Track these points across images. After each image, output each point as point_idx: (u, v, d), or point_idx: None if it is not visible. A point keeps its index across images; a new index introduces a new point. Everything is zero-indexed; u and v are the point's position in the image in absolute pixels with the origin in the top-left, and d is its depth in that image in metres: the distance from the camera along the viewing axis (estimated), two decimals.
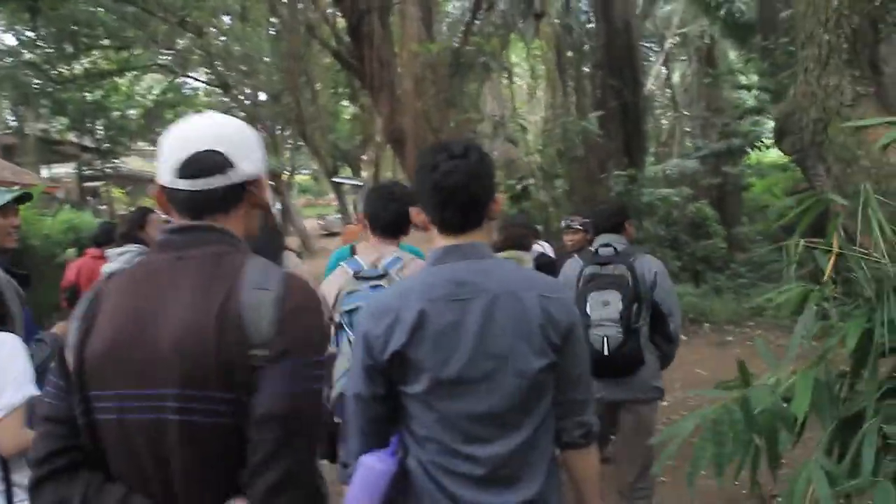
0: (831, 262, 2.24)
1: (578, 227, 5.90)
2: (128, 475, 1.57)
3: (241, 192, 1.72)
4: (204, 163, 1.65)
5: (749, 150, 13.50)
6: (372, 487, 1.94)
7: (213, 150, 1.65)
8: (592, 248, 4.29)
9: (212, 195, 1.67)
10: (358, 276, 3.24)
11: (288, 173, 31.63)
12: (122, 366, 1.53)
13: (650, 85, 20.39)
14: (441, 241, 2.07)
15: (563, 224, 6.14)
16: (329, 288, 3.33)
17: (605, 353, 3.95)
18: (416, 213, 2.12)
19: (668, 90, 22.56)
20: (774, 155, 17.55)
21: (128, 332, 1.55)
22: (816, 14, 2.71)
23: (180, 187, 1.66)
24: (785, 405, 2.18)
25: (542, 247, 6.22)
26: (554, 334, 1.96)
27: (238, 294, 1.55)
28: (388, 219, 3.37)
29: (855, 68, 2.64)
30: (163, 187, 1.70)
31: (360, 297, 3.14)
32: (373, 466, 1.97)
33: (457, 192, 2.00)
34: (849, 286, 2.34)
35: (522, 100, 20.88)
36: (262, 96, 26.25)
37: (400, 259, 3.24)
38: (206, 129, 1.70)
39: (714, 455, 2.05)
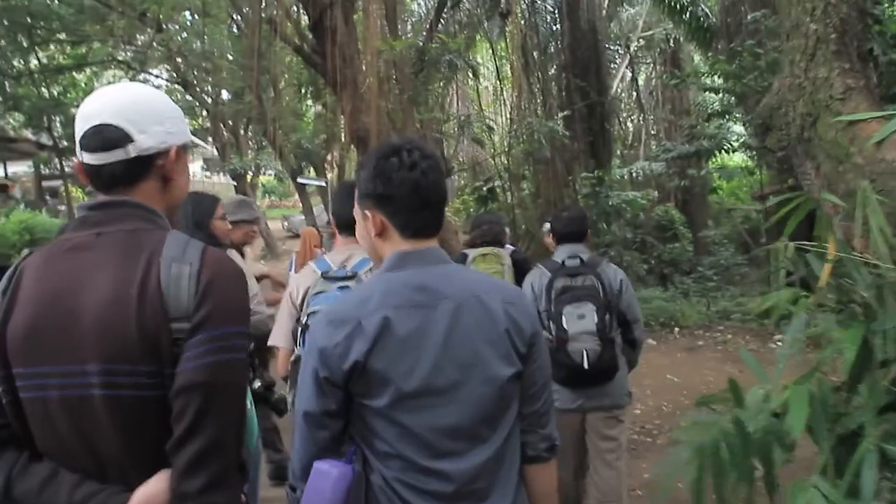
0: (828, 267, 2.07)
1: None
2: (56, 453, 1.57)
3: (147, 166, 1.69)
4: (101, 137, 1.63)
5: (717, 152, 13.47)
6: (327, 494, 1.79)
7: (111, 124, 1.63)
8: (558, 259, 4.15)
9: (113, 169, 1.66)
10: (326, 277, 3.10)
11: (252, 173, 31.18)
12: (43, 343, 1.54)
13: (616, 87, 20.38)
14: (398, 247, 1.92)
15: (547, 227, 5.97)
16: (296, 287, 3.23)
17: (586, 366, 3.87)
18: (374, 215, 1.93)
19: (633, 92, 22.56)
20: (740, 158, 17.63)
21: (49, 309, 1.55)
22: (802, 2, 2.54)
23: (86, 161, 1.66)
24: (776, 420, 2.00)
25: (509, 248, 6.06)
26: (519, 342, 1.89)
27: (157, 268, 1.56)
28: (351, 218, 3.21)
29: (844, 60, 2.47)
30: (80, 161, 1.70)
31: (328, 299, 3.01)
32: (327, 472, 1.82)
33: (435, 193, 1.91)
34: (841, 293, 2.17)
35: (488, 101, 20.77)
36: (225, 94, 25.78)
37: (369, 260, 3.08)
38: (109, 101, 1.67)
39: (716, 486, 1.84)
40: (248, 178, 30.14)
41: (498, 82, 17.50)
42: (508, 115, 15.49)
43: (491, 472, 1.87)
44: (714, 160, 16.05)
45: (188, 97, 25.03)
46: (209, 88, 25.24)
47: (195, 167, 36.70)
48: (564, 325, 3.90)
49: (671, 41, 19.17)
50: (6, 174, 26.06)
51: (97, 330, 1.50)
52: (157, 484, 1.52)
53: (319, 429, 1.86)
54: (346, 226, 3.21)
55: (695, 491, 1.89)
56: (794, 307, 2.24)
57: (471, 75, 16.17)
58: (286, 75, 21.59)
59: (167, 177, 1.73)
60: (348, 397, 1.84)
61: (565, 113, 13.40)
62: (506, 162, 14.35)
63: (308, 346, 1.89)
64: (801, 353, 2.18)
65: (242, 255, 4.98)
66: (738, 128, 14.16)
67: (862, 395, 2.04)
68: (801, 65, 2.54)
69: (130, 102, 1.67)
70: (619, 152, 19.65)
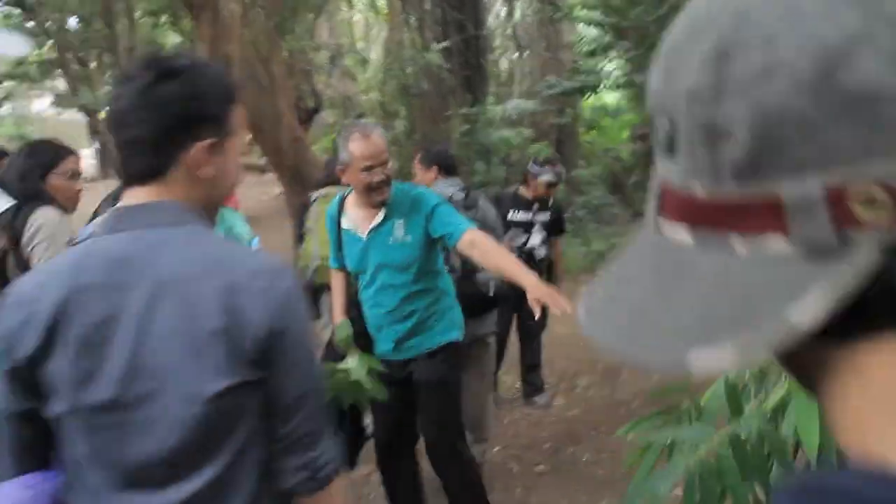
0: None
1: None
2: None
3: None
4: None
5: (598, 89, 13.30)
6: None
7: None
8: (445, 194, 3.92)
9: None
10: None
11: (105, 110, 29.39)
12: None
13: (491, 23, 19.97)
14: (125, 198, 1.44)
15: (547, 175, 5.82)
16: None
17: (491, 294, 4.06)
18: None
19: (508, 28, 22.23)
20: (613, 98, 17.64)
21: None
22: None
23: None
24: (771, 430, 1.54)
25: None
26: (249, 343, 1.33)
27: None
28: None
29: None
30: None
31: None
32: (10, 495, 1.37)
33: (119, 128, 1.42)
34: None
35: (361, 34, 20.00)
36: (72, 21, 23.86)
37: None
38: None
39: None
40: (102, 114, 28.41)
41: (372, 13, 16.76)
42: (383, 48, 14.86)
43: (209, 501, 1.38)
44: (587, 99, 15.94)
45: (29, 23, 22.98)
46: (54, 14, 23.31)
47: (43, 103, 33.86)
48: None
49: None
50: None
51: None
52: None
53: (14, 431, 1.40)
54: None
55: None
56: None
57: (343, 7, 15.37)
58: (142, 1, 20.15)
59: None
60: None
61: (443, 44, 12.89)
62: (379, 97, 13.75)
63: None
64: None
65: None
66: (612, 65, 14.05)
67: None
68: None
69: None
70: (492, 90, 19.34)
